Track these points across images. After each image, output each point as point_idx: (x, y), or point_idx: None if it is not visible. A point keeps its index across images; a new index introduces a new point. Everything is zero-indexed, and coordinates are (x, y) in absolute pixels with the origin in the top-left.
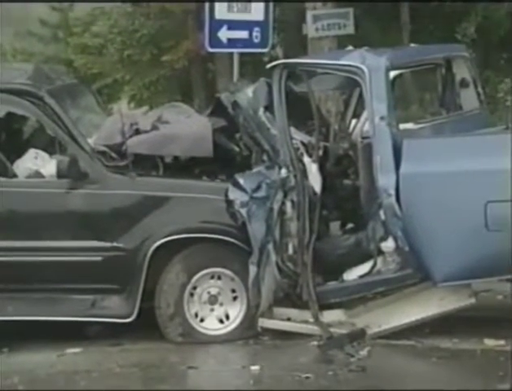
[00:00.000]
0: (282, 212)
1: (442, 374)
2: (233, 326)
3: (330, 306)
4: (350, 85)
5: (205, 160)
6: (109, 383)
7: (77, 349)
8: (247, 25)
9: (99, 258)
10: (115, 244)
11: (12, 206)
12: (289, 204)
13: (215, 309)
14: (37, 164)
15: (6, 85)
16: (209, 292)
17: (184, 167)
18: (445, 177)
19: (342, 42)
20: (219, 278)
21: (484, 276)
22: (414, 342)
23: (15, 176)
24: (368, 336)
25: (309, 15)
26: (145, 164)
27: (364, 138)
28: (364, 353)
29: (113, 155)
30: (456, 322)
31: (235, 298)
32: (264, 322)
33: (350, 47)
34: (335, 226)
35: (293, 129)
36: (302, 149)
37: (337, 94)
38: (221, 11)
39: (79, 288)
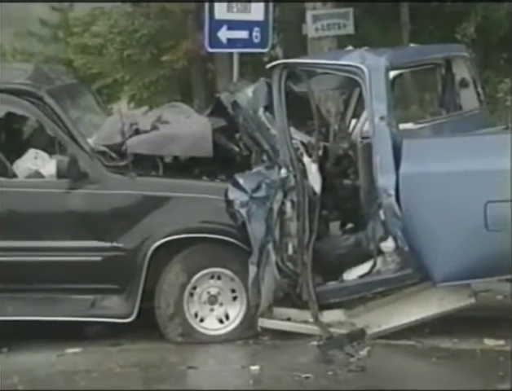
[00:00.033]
0: (282, 212)
1: (442, 374)
2: (233, 326)
3: (330, 306)
4: (350, 85)
5: (204, 160)
6: (109, 383)
7: (76, 349)
8: (247, 25)
9: (98, 258)
10: (115, 244)
11: (12, 206)
12: (288, 204)
13: (215, 309)
14: (37, 164)
15: (5, 85)
16: (208, 292)
17: (184, 167)
18: (445, 178)
19: (341, 42)
20: (219, 278)
21: (484, 276)
22: (414, 342)
23: (14, 176)
24: (368, 336)
25: (309, 15)
26: (145, 164)
27: (363, 138)
28: (363, 353)
29: (113, 155)
30: (456, 322)
31: (235, 298)
32: (264, 322)
33: (350, 47)
34: (335, 226)
35: (292, 129)
36: (301, 149)
37: (336, 94)
38: (221, 11)
39: (79, 288)
